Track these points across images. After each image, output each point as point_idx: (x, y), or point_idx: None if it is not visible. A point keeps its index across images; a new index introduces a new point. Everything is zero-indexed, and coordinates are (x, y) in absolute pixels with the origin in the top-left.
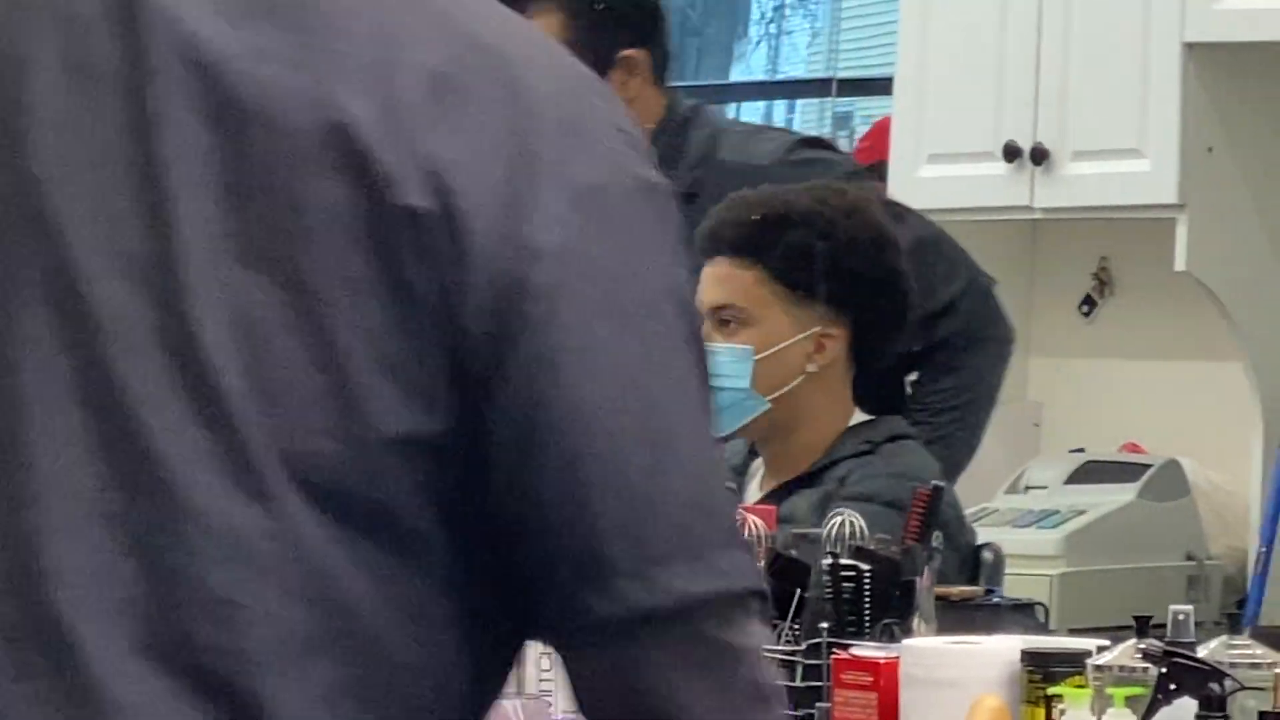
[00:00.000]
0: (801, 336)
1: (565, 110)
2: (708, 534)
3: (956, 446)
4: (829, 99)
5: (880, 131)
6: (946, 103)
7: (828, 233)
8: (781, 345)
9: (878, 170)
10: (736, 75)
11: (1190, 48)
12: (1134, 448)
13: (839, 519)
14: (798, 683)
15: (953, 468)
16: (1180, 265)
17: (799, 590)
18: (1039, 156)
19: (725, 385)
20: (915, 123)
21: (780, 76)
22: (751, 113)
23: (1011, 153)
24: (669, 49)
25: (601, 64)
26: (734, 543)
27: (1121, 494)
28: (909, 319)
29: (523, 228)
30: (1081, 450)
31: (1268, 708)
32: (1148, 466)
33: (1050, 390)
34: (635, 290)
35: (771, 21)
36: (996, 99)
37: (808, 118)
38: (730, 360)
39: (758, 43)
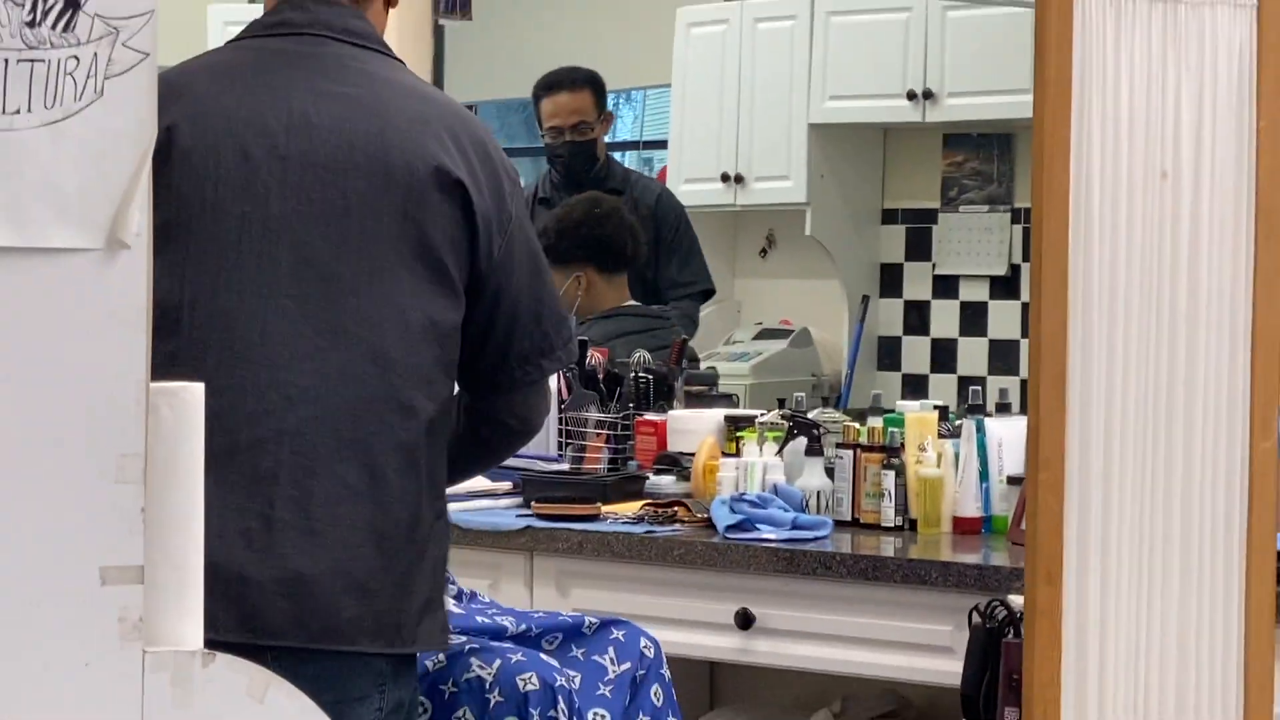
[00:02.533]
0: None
1: (496, 143)
2: (566, 334)
3: (688, 321)
4: None
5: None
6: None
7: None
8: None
9: None
10: None
11: (814, 126)
12: (786, 322)
13: (638, 354)
14: (618, 433)
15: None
16: (808, 232)
17: (618, 388)
18: (740, 180)
19: None
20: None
21: None
22: None
23: (725, 178)
24: None
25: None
26: (573, 337)
27: (779, 344)
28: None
29: (505, 206)
30: (760, 324)
31: (841, 440)
32: (791, 331)
33: (746, 294)
34: (529, 233)
35: None
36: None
37: None
38: None
39: None
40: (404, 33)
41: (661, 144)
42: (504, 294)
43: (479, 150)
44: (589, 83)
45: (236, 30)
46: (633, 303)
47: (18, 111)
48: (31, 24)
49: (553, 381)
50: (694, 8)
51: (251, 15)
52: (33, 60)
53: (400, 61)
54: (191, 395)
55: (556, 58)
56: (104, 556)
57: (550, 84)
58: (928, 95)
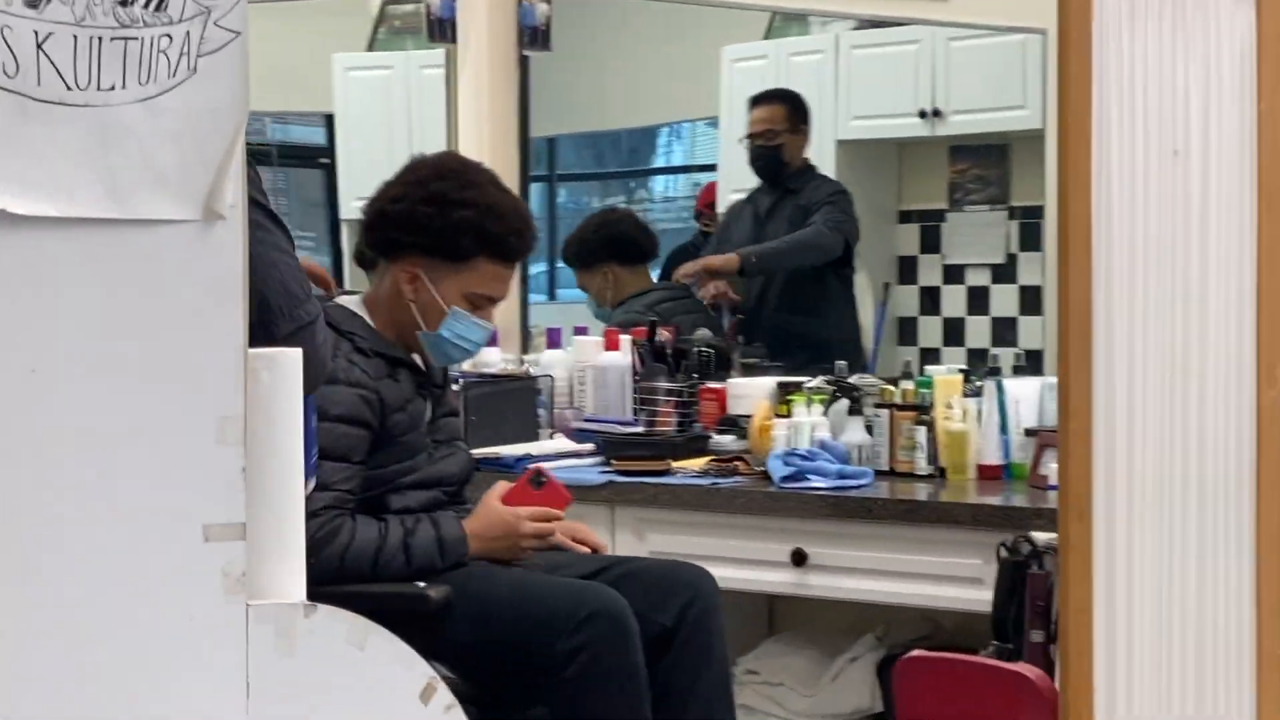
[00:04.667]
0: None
1: None
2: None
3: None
4: None
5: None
6: None
7: None
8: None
9: None
10: None
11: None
12: None
13: (700, 331)
14: (685, 399)
15: None
16: None
17: (684, 360)
18: None
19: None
20: None
21: None
22: None
23: None
24: None
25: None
26: (309, 297)
27: None
28: None
29: None
30: None
31: (878, 401)
32: None
33: None
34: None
35: None
36: None
37: None
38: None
39: None
40: (494, 64)
41: (711, 166)
42: None
43: None
44: (780, 98)
45: (361, 77)
46: (657, 284)
47: (113, 88)
48: (123, 3)
49: (626, 355)
50: (737, 46)
51: (371, 62)
52: (125, 38)
53: None
54: (289, 359)
55: (611, 94)
56: (208, 514)
57: (753, 99)
58: (936, 113)
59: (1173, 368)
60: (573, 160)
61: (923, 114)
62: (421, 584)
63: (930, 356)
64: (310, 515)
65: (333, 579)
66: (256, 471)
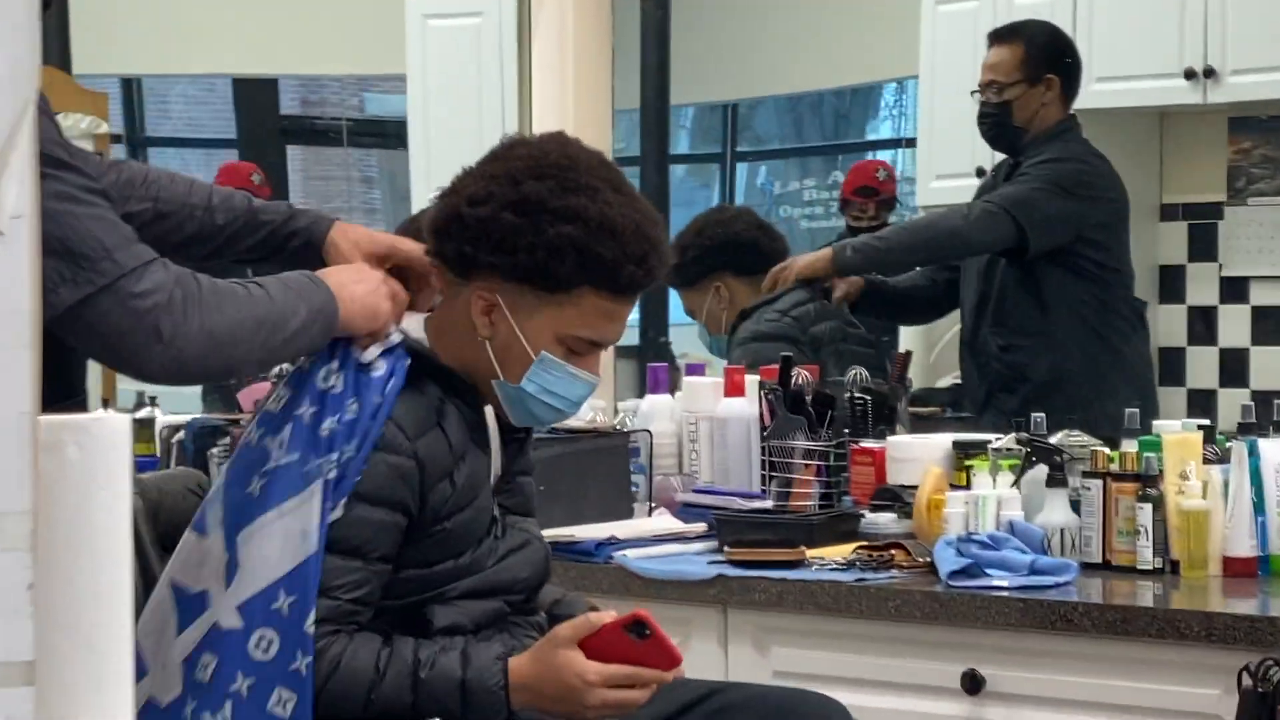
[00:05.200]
0: None
1: None
2: (102, 256)
3: None
4: None
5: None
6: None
7: None
8: None
9: None
10: None
11: (1081, 112)
12: None
13: (854, 371)
14: (830, 464)
15: None
16: None
17: (830, 411)
18: None
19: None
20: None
21: None
22: None
23: (980, 173)
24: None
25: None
26: (110, 256)
27: None
28: None
29: None
30: None
31: (1088, 469)
32: None
33: None
34: None
35: None
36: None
37: None
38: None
39: None
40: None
41: (911, 142)
42: None
43: None
44: (1015, 34)
45: (438, 24)
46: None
47: None
48: None
49: (752, 404)
50: None
51: (455, 7)
52: None
53: None
54: (110, 429)
55: (779, 54)
56: None
57: (988, 38)
58: (1209, 74)
59: None
60: (770, 132)
61: (1190, 74)
62: None
63: (1203, 400)
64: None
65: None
66: (56, 589)
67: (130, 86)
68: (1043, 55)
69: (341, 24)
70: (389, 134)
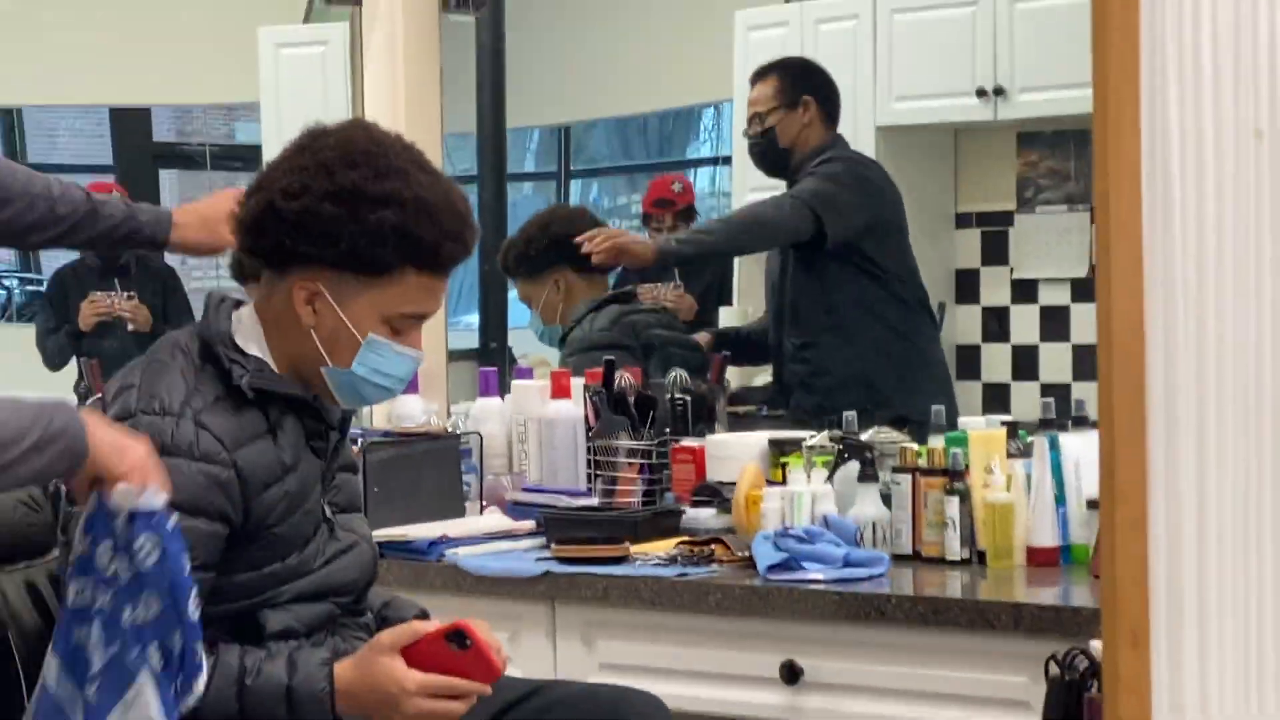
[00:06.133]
0: None
1: None
2: None
3: None
4: None
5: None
6: None
7: None
8: None
9: None
10: None
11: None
12: None
13: (675, 373)
14: (653, 461)
15: None
16: None
17: (652, 411)
18: None
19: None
20: None
21: None
22: None
23: None
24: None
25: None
26: None
27: None
28: None
29: None
30: None
31: (897, 464)
32: None
33: None
34: None
35: None
36: None
37: None
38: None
39: None
40: (411, 32)
41: (727, 159)
42: None
43: None
44: (772, 71)
45: (289, 53)
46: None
47: None
48: None
49: (578, 406)
50: (751, 11)
51: (303, 36)
52: None
53: None
54: None
55: (607, 78)
56: None
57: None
58: (999, 92)
59: (1260, 424)
60: (602, 153)
61: (982, 93)
62: None
63: (997, 393)
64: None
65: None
66: None
67: (11, 116)
68: (797, 81)
69: (208, 56)
70: (250, 159)
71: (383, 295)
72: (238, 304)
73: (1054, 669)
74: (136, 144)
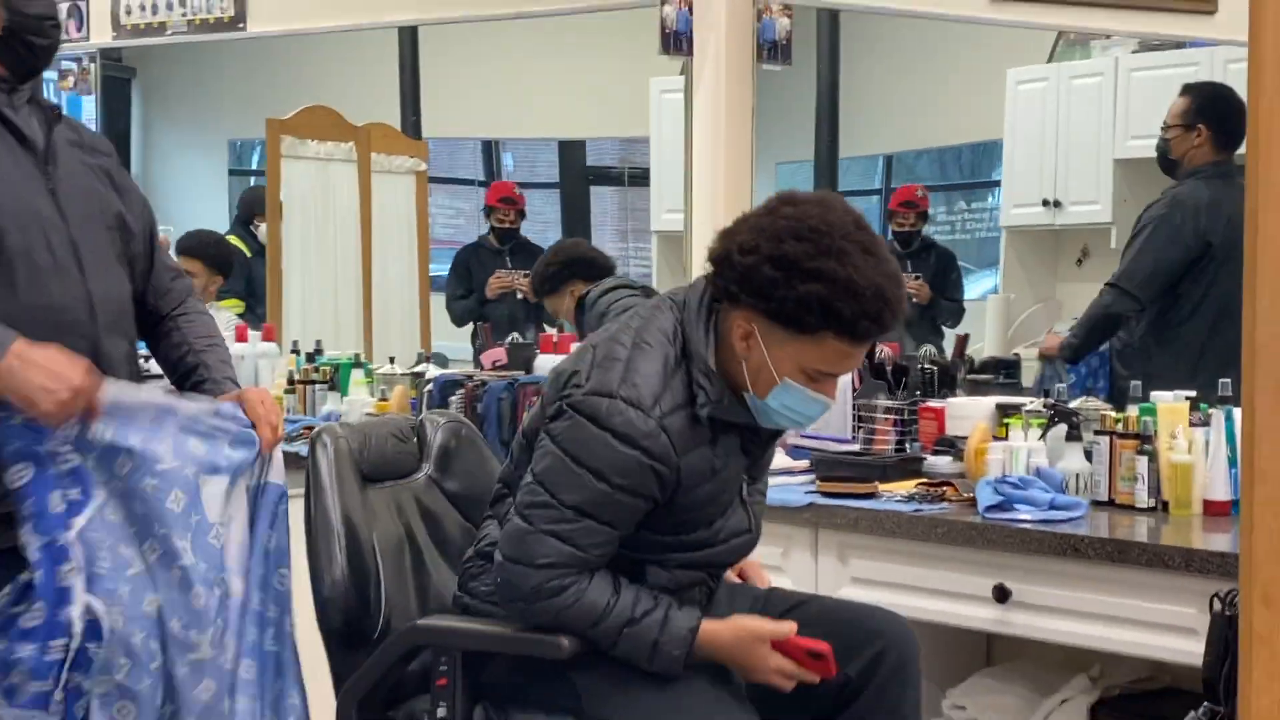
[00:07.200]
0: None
1: None
2: None
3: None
4: None
5: None
6: None
7: None
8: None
9: None
10: None
11: (1117, 161)
12: None
13: (925, 348)
14: (904, 417)
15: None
16: (1114, 245)
17: (904, 377)
18: (1058, 204)
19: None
20: None
21: None
22: None
23: (1045, 203)
24: None
25: None
26: None
27: None
28: None
29: None
30: (1076, 318)
31: (1099, 428)
32: None
33: (1066, 295)
34: None
35: None
36: None
37: None
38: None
39: None
40: (731, 78)
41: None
42: None
43: None
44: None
45: (673, 99)
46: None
47: None
48: None
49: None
50: (1023, 69)
51: (676, 85)
52: None
53: None
54: None
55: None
56: None
57: None
58: None
59: None
60: (923, 174)
61: None
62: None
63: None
64: (535, 565)
65: (550, 629)
66: None
67: (492, 145)
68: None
69: (614, 97)
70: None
71: (804, 350)
72: (713, 309)
73: (1217, 605)
74: (575, 167)
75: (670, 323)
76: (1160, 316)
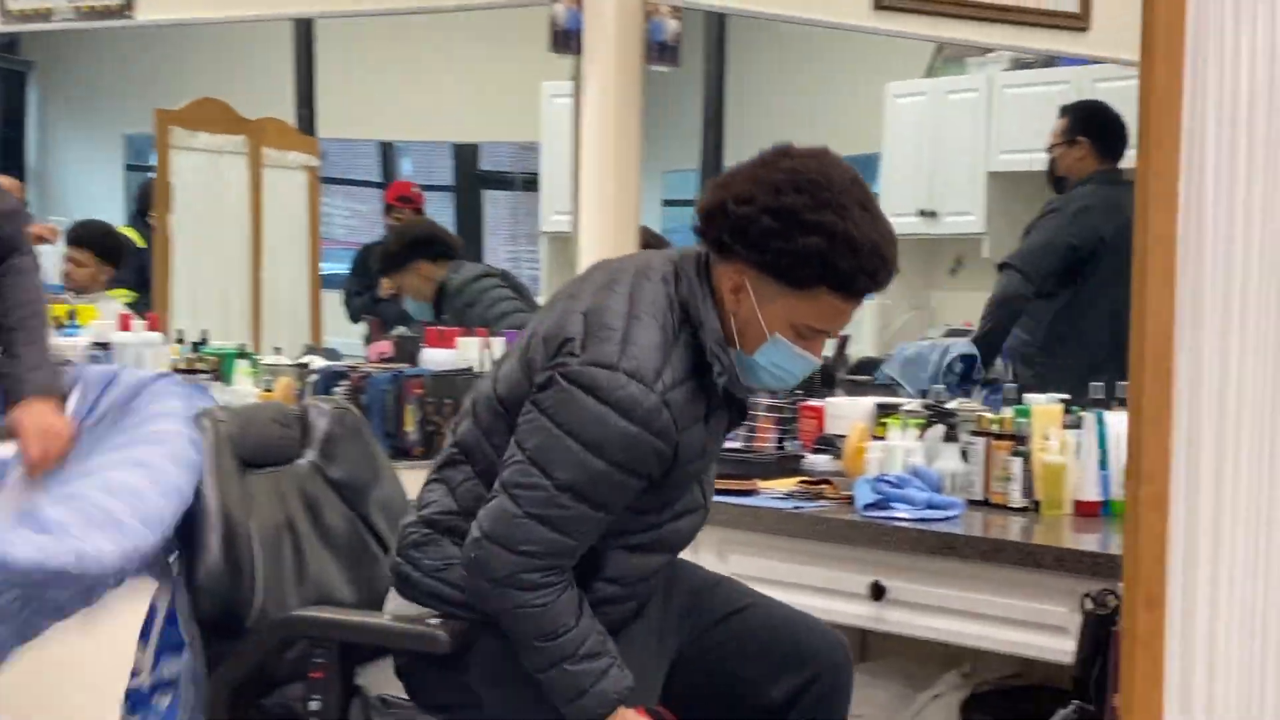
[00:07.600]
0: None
1: None
2: None
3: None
4: None
5: None
6: None
7: None
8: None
9: None
10: None
11: (991, 173)
12: (968, 324)
13: None
14: (784, 415)
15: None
16: (985, 255)
17: None
18: (934, 214)
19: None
20: None
21: None
22: None
23: (921, 213)
24: None
25: None
26: None
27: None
28: None
29: None
30: (948, 325)
31: (975, 428)
32: (970, 331)
33: (939, 303)
34: None
35: None
36: None
37: None
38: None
39: None
40: (621, 79)
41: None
42: None
43: None
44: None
45: (563, 104)
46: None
47: None
48: None
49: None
50: (901, 83)
51: (564, 89)
52: None
53: None
54: None
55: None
56: None
57: None
58: None
59: (1276, 419)
60: None
61: None
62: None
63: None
64: (515, 550)
65: (494, 616)
66: None
67: (387, 147)
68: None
69: (503, 102)
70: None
71: (797, 305)
72: (701, 261)
73: (1088, 604)
74: (469, 172)
75: (660, 293)
76: (1057, 316)
